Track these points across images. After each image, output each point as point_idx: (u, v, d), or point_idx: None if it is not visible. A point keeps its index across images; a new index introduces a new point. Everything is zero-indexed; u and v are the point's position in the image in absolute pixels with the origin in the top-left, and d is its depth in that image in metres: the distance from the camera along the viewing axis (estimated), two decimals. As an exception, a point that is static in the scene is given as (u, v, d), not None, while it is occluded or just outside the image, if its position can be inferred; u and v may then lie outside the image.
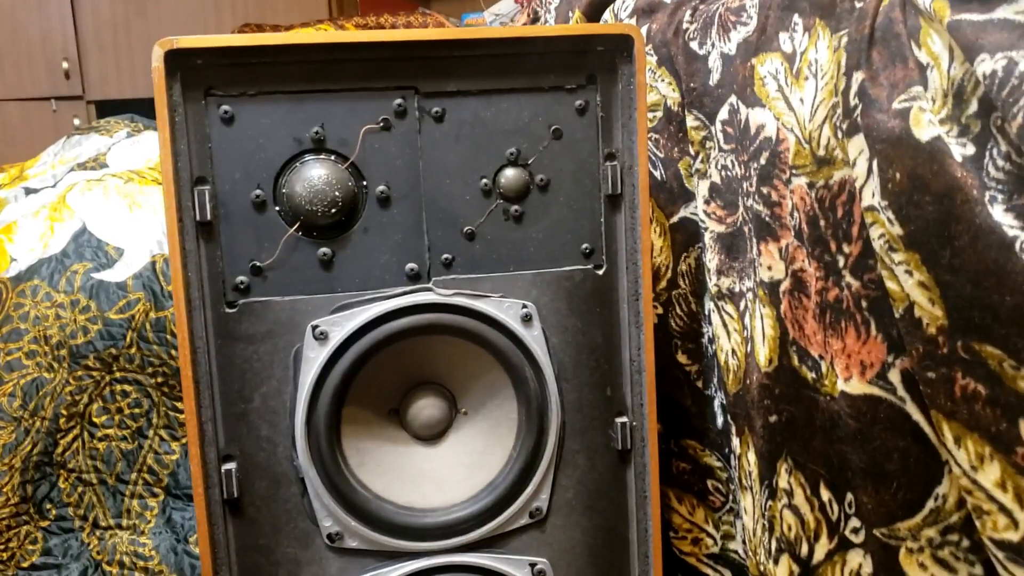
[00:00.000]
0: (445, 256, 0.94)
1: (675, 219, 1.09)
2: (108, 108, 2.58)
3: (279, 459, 0.93)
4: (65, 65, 2.53)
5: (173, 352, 1.49)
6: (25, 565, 1.45)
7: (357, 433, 0.95)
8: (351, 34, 0.89)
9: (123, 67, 2.60)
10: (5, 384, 1.42)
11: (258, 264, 0.91)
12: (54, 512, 1.47)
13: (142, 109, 2.09)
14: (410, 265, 0.94)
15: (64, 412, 1.45)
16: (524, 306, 0.95)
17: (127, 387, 1.49)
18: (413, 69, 0.91)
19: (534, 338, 0.95)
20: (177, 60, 0.86)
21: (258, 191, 0.90)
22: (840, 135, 0.76)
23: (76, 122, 2.55)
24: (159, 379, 1.49)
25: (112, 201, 1.59)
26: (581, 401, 0.98)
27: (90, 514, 1.48)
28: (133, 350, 1.48)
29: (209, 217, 0.88)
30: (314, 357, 0.92)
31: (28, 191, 1.73)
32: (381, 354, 0.94)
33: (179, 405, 1.53)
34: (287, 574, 0.95)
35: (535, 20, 1.56)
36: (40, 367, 1.44)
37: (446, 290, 0.94)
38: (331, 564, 0.95)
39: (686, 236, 1.09)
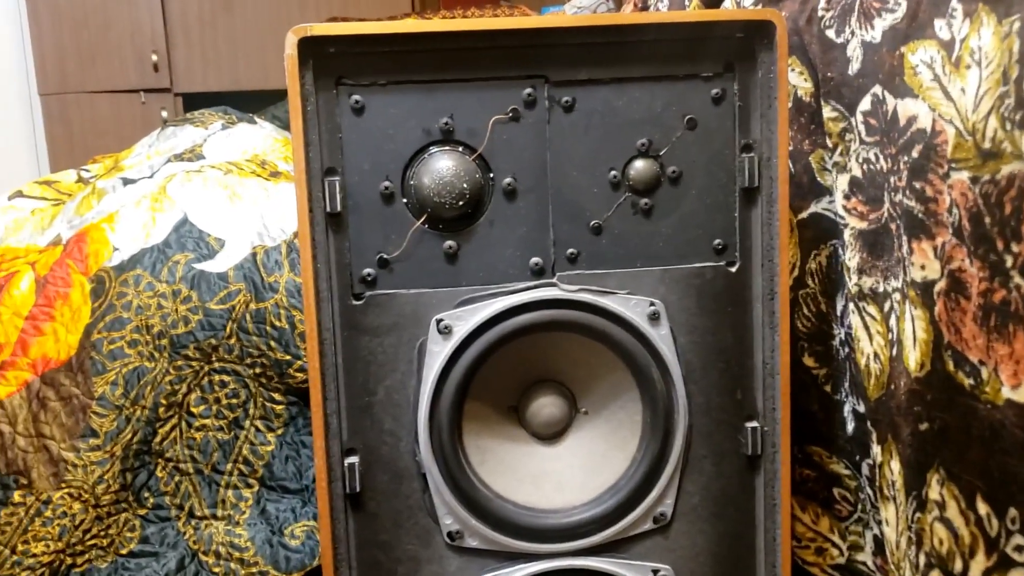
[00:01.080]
0: (570, 251, 0.91)
1: (804, 215, 1.05)
2: (194, 101, 2.62)
3: (401, 453, 0.92)
4: (154, 58, 2.57)
5: (272, 343, 1.49)
6: (124, 552, 1.46)
7: (477, 430, 0.93)
8: (483, 22, 0.87)
9: (209, 60, 2.64)
10: (108, 372, 1.44)
11: (385, 256, 0.89)
12: (151, 500, 1.48)
13: (227, 102, 2.10)
14: (535, 259, 0.91)
15: (163, 401, 1.46)
16: (651, 304, 0.91)
17: (225, 377, 1.50)
18: (543, 57, 0.89)
19: (661, 337, 0.92)
20: (309, 48, 0.85)
21: (387, 183, 0.88)
22: (1010, 127, 0.72)
23: (164, 114, 2.59)
24: (257, 370, 1.49)
25: (212, 192, 1.60)
26: (709, 404, 0.95)
27: (186, 503, 1.49)
28: (232, 340, 1.48)
29: (339, 208, 0.87)
30: (438, 351, 0.90)
31: (125, 181, 1.75)
32: (503, 350, 0.92)
33: (276, 396, 1.53)
34: (406, 572, 0.93)
35: (644, 8, 1.52)
36: (142, 356, 1.45)
37: (571, 286, 0.91)
38: (450, 563, 0.93)
39: (816, 233, 1.04)
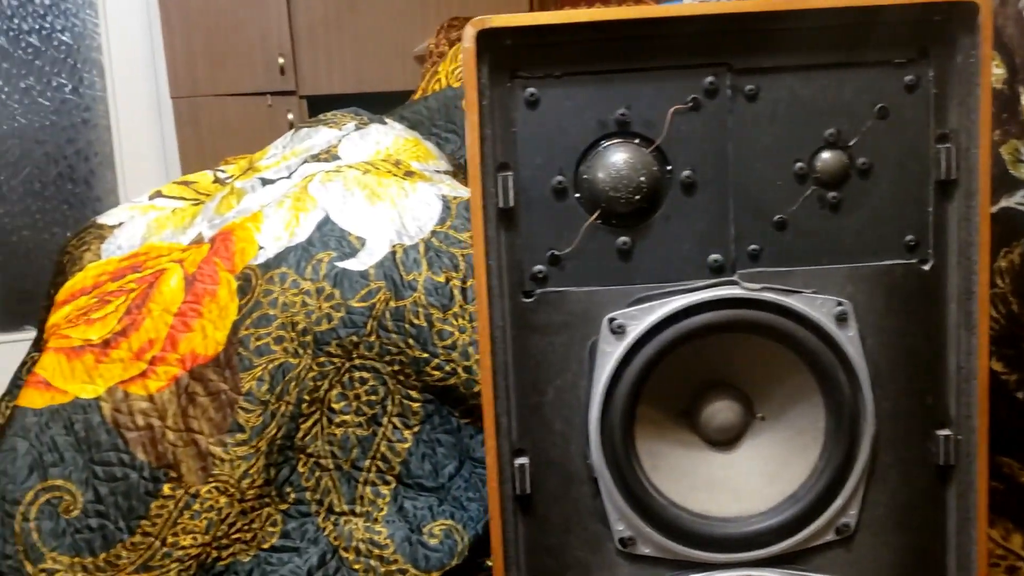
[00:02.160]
0: (752, 247, 0.87)
1: (995, 209, 0.98)
2: (318, 103, 2.65)
3: (571, 456, 0.89)
4: (280, 61, 2.62)
5: (410, 341, 1.49)
6: (266, 546, 1.48)
7: (650, 434, 0.90)
8: (663, 8, 0.83)
9: (334, 63, 2.67)
10: (255, 368, 1.46)
11: (556, 253, 0.87)
12: (293, 496, 1.50)
13: (351, 104, 2.12)
14: (714, 256, 0.87)
15: (306, 397, 1.47)
16: (839, 303, 0.86)
17: (365, 374, 1.50)
18: (726, 44, 0.85)
19: (849, 339, 0.86)
20: (487, 41, 0.83)
21: (560, 177, 0.86)
22: None
23: (290, 116, 2.64)
24: (395, 367, 1.49)
25: (353, 192, 1.61)
26: (897, 410, 0.89)
27: (326, 499, 1.50)
28: (373, 338, 1.49)
29: (511, 204, 0.85)
30: (610, 351, 0.87)
31: (264, 181, 1.77)
32: (677, 351, 0.88)
33: (413, 394, 1.53)
34: (575, 578, 0.90)
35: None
36: (287, 352, 1.46)
37: (753, 284, 0.87)
38: (621, 570, 0.90)
39: (1007, 229, 0.98)
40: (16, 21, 2.91)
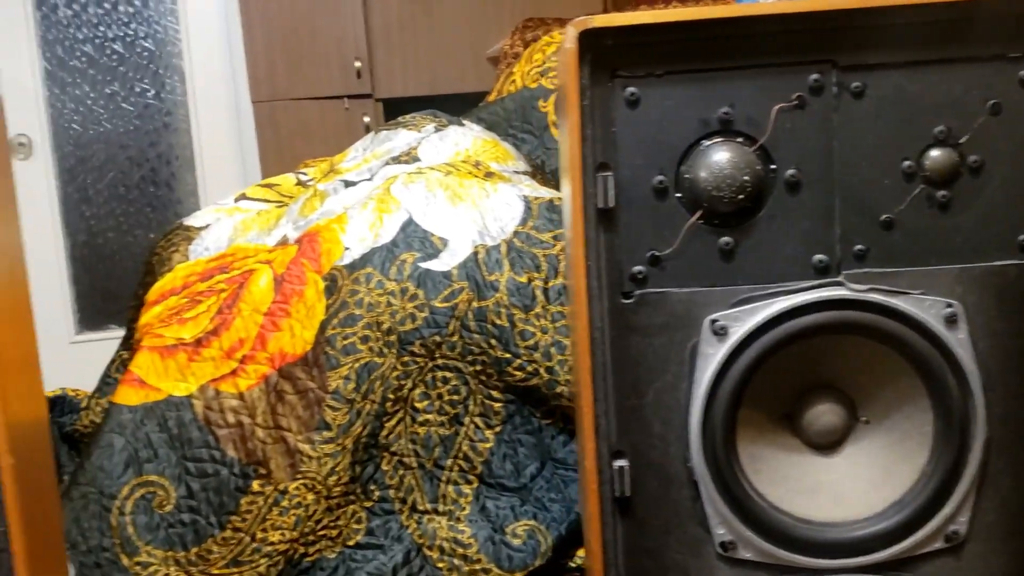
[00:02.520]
0: (858, 247, 0.85)
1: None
2: (393, 105, 2.68)
3: (671, 458, 0.88)
4: (357, 64, 2.65)
5: (492, 341, 1.50)
6: (351, 543, 1.50)
7: (751, 437, 0.89)
8: (767, 6, 0.82)
9: (408, 66, 2.70)
10: (341, 367, 1.48)
11: (657, 254, 0.86)
12: (377, 493, 1.51)
13: (425, 106, 2.13)
14: (818, 257, 0.86)
15: (391, 396, 1.49)
16: (948, 305, 0.84)
17: (447, 374, 1.51)
18: (831, 41, 0.83)
19: (959, 342, 0.84)
20: (588, 41, 0.83)
21: (660, 177, 0.85)
22: None
23: (366, 119, 2.67)
24: (477, 367, 1.50)
25: (435, 193, 1.62)
26: (1007, 414, 0.86)
27: (409, 497, 1.52)
28: (455, 338, 1.50)
29: (611, 204, 0.85)
30: (712, 353, 0.86)
31: (346, 184, 1.80)
32: (781, 353, 0.86)
33: (494, 394, 1.53)
34: (674, 581, 0.90)
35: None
36: (372, 352, 1.48)
37: (859, 285, 0.85)
38: (721, 574, 0.89)
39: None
40: (102, 29, 3.00)
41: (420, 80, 2.69)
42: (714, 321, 0.86)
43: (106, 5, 3.00)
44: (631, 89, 0.84)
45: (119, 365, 1.88)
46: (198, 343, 1.51)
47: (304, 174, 2.09)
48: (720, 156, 0.84)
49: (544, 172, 1.94)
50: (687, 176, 0.85)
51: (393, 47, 2.67)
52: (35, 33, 2.92)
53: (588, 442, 0.87)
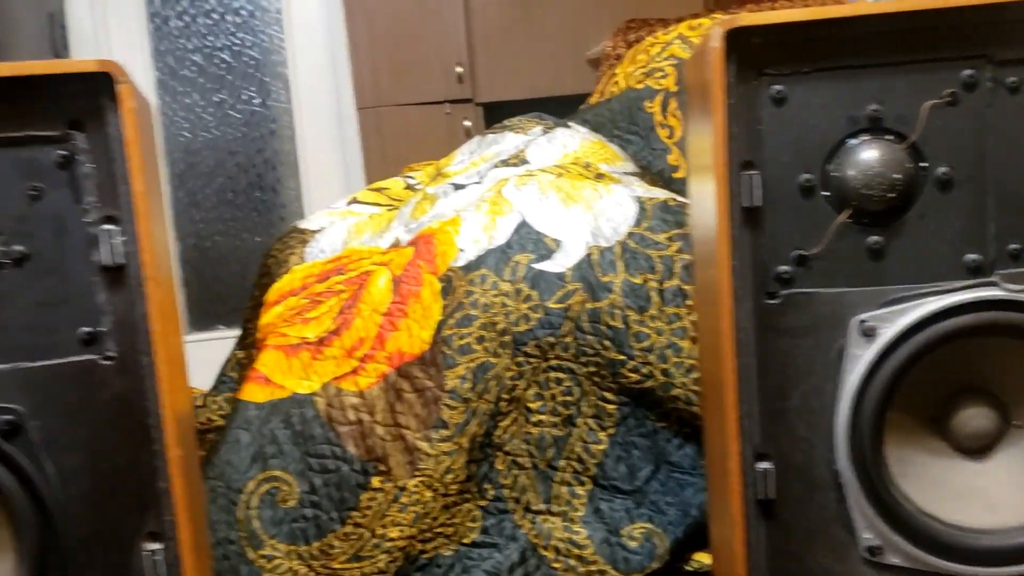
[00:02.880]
0: (1013, 246, 0.83)
1: None
2: (493, 110, 2.71)
3: (816, 462, 0.87)
4: (459, 70, 2.68)
5: (606, 343, 1.50)
6: (467, 542, 1.52)
7: (899, 440, 0.87)
8: (916, 2, 0.81)
9: (508, 70, 2.72)
10: (458, 367, 1.50)
11: (803, 253, 0.85)
12: (492, 492, 1.53)
13: (525, 110, 2.14)
14: (971, 256, 0.84)
15: (505, 396, 1.50)
16: (1104, 305, 0.81)
17: (560, 375, 1.52)
18: (985, 35, 0.81)
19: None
20: (735, 40, 0.82)
21: (807, 175, 0.84)
22: None
23: (466, 124, 2.70)
24: (591, 369, 1.50)
25: (547, 195, 1.63)
26: None
27: (523, 497, 1.53)
28: (569, 339, 1.50)
29: (757, 203, 0.84)
30: (860, 355, 0.85)
31: (456, 187, 1.82)
32: (931, 355, 0.85)
33: (608, 396, 1.53)
34: (818, 586, 0.88)
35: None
36: (487, 352, 1.50)
37: (1014, 285, 0.83)
38: (866, 580, 0.88)
39: None
40: (210, 39, 3.10)
41: (520, 84, 2.71)
42: (862, 322, 0.84)
43: (214, 16, 3.10)
44: (777, 87, 0.83)
45: (234, 364, 1.94)
46: (320, 342, 1.55)
47: (411, 178, 2.13)
48: (869, 154, 0.83)
49: (651, 173, 1.93)
50: (835, 174, 0.84)
51: (493, 51, 2.69)
52: (148, 44, 3.03)
53: (732, 444, 0.86)
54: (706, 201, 0.89)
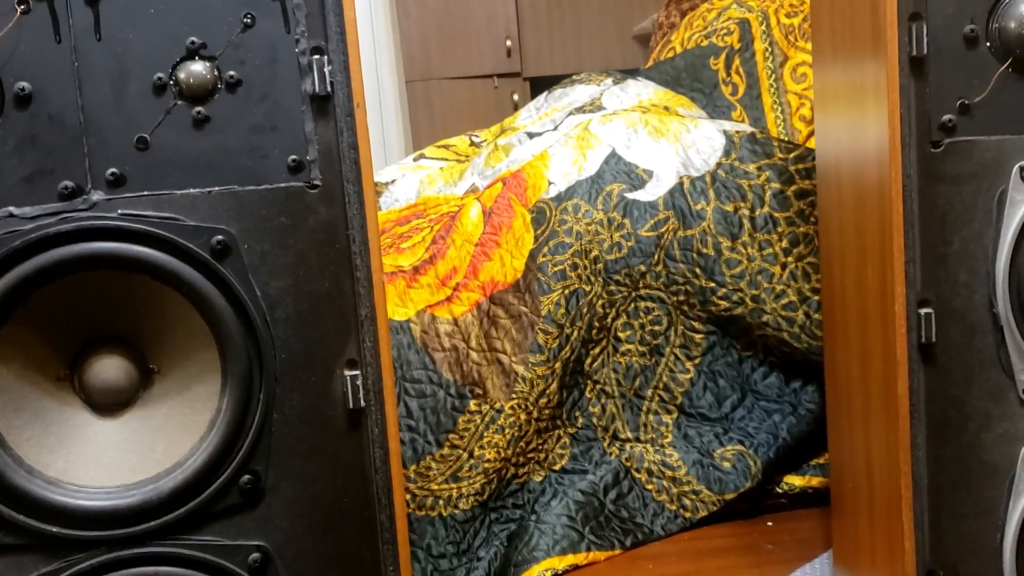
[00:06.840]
0: None
1: None
2: (540, 84, 2.76)
3: (975, 306, 0.90)
4: (508, 44, 2.74)
5: (697, 270, 1.53)
6: (556, 468, 1.54)
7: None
8: None
9: (556, 45, 2.78)
10: (552, 293, 1.52)
11: (966, 102, 0.89)
12: (581, 420, 1.55)
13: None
14: None
15: (596, 324, 1.53)
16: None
17: (650, 304, 1.55)
18: None
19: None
20: None
21: (971, 26, 0.88)
22: None
23: (515, 97, 2.74)
24: (680, 297, 1.53)
25: (636, 129, 1.67)
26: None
27: (611, 426, 1.55)
28: (659, 267, 1.53)
29: (924, 52, 0.88)
30: (1021, 200, 0.88)
31: (531, 135, 1.86)
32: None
33: (696, 325, 1.56)
34: (977, 428, 0.91)
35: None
36: (580, 279, 1.53)
37: None
38: (1023, 421, 0.90)
39: None
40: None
41: (567, 58, 2.77)
42: (1023, 168, 0.88)
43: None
44: (945, -58, 0.88)
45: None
46: (415, 270, 1.58)
47: (476, 135, 2.17)
48: (1032, 5, 0.87)
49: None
50: (998, 26, 0.88)
51: (541, 26, 2.74)
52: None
53: (898, 287, 0.89)
54: (870, 59, 0.93)
